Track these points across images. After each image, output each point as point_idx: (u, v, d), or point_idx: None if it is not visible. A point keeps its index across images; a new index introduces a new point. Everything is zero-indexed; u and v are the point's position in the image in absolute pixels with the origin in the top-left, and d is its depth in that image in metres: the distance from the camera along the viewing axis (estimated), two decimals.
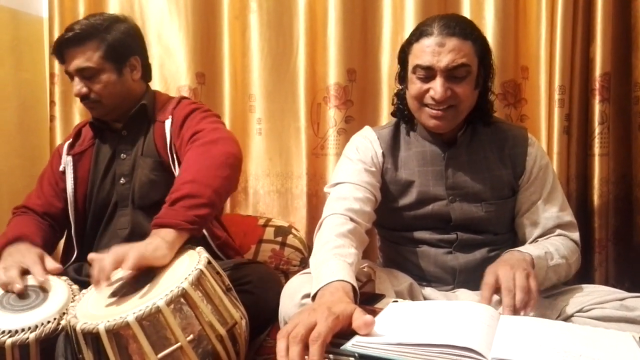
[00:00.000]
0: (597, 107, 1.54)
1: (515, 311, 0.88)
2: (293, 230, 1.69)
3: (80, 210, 1.32)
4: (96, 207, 1.31)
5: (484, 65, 1.11)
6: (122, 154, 1.32)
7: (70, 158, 1.32)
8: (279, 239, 1.66)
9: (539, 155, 1.17)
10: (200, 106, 1.33)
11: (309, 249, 1.69)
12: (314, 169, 1.74)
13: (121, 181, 1.30)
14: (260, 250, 1.65)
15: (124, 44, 1.28)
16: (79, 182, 1.32)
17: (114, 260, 0.93)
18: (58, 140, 1.78)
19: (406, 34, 1.62)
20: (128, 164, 1.31)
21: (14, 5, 1.77)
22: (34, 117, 1.85)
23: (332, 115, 1.69)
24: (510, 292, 0.89)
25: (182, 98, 1.39)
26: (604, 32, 1.51)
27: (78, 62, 1.24)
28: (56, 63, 1.75)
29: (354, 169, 1.15)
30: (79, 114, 1.80)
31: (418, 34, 1.10)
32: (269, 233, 1.67)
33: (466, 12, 1.60)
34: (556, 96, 1.55)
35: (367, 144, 1.20)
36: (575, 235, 1.14)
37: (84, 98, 1.27)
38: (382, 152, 1.19)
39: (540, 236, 1.14)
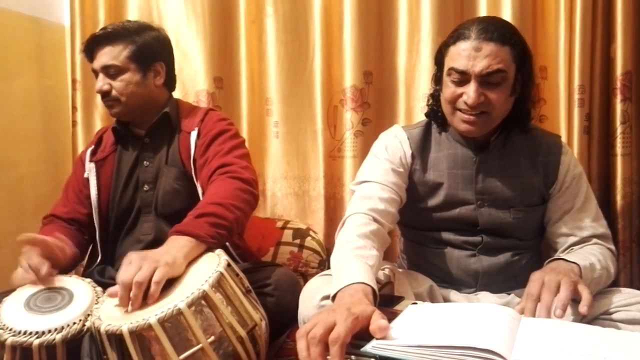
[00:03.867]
0: (618, 107, 1.52)
1: (549, 310, 0.86)
2: (311, 233, 1.70)
3: (104, 216, 1.35)
4: (119, 212, 1.34)
5: (523, 71, 1.08)
6: (145, 161, 1.34)
7: (93, 165, 1.35)
8: (297, 241, 1.67)
9: (572, 164, 1.15)
10: (228, 127, 1.34)
11: (327, 251, 1.69)
12: (331, 172, 1.74)
13: (144, 188, 1.33)
14: (279, 253, 1.66)
15: (151, 48, 1.33)
16: (102, 188, 1.34)
17: (140, 290, 0.92)
18: (80, 145, 1.82)
19: (422, 35, 1.63)
20: (151, 171, 1.33)
21: (37, 13, 1.81)
22: (56, 123, 1.89)
23: (349, 117, 1.69)
24: (552, 291, 0.87)
25: (209, 110, 1.40)
26: (625, 31, 1.49)
27: (104, 60, 1.28)
28: (78, 70, 1.80)
29: (381, 168, 1.14)
30: (100, 119, 1.83)
31: (456, 36, 1.07)
32: (287, 235, 1.68)
33: (482, 12, 1.59)
34: (576, 96, 1.53)
35: (396, 144, 1.19)
36: (612, 246, 1.12)
37: (104, 95, 1.30)
38: (412, 153, 1.17)
39: (574, 244, 1.11)
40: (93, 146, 1.39)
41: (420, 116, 1.53)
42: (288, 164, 1.79)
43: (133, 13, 1.81)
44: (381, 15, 1.68)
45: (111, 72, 1.29)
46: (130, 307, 0.90)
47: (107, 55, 1.28)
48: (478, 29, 1.04)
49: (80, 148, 1.81)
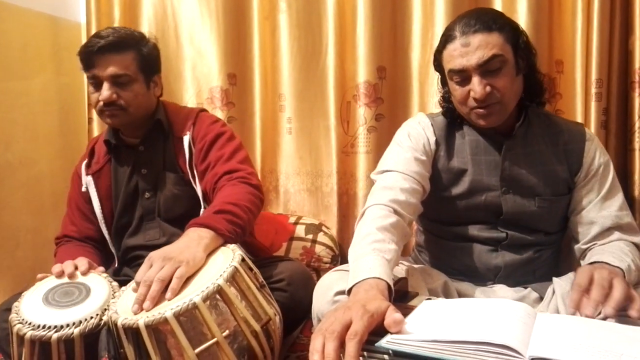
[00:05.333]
0: (637, 100, 1.50)
1: (598, 307, 0.84)
2: (324, 228, 1.70)
3: (110, 224, 1.36)
4: (123, 220, 1.34)
5: (521, 48, 1.07)
6: (142, 169, 1.34)
7: (90, 178, 1.35)
8: (310, 236, 1.67)
9: (598, 152, 1.13)
10: (223, 130, 1.33)
11: (340, 246, 1.70)
12: (344, 167, 1.74)
13: (146, 195, 1.33)
14: (292, 248, 1.67)
15: (153, 59, 1.33)
16: (103, 199, 1.35)
17: (161, 287, 0.94)
18: None
19: (437, 30, 1.62)
20: (150, 178, 1.33)
21: (54, 12, 1.83)
22: (73, 120, 1.92)
23: (362, 113, 1.69)
24: (604, 289, 0.86)
25: (199, 112, 1.38)
26: None
27: (115, 69, 1.24)
28: None
29: (403, 157, 1.12)
30: None
31: (443, 40, 1.09)
32: (299, 231, 1.69)
33: (498, 6, 1.57)
34: (593, 90, 1.51)
35: (419, 131, 1.17)
36: (637, 239, 1.08)
37: (109, 104, 1.25)
38: (436, 140, 1.16)
39: (597, 236, 1.09)
40: (87, 159, 1.39)
41: (433, 111, 1.52)
42: (301, 159, 1.79)
43: (148, 10, 1.82)
44: (395, 10, 1.67)
45: (121, 81, 1.25)
46: (147, 304, 0.91)
47: (118, 65, 1.24)
48: (460, 26, 1.04)
49: None
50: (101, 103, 1.25)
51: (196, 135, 1.31)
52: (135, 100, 1.27)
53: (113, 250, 1.36)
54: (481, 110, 1.06)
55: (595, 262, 0.99)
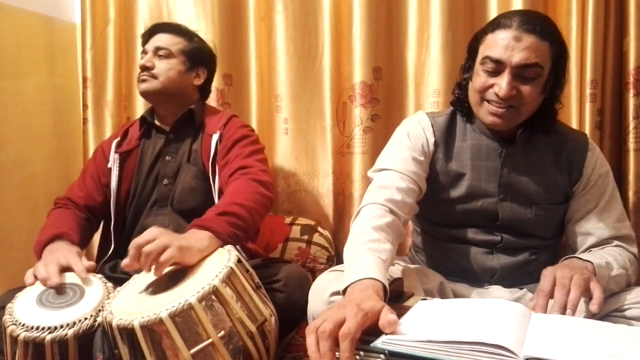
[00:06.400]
0: (631, 101, 1.50)
1: (564, 309, 0.85)
2: (319, 229, 1.70)
3: (121, 207, 1.37)
4: (137, 204, 1.37)
5: (557, 70, 1.05)
6: (167, 156, 1.38)
7: (117, 156, 1.39)
8: (305, 237, 1.67)
9: (598, 162, 1.12)
10: (249, 133, 1.40)
11: (336, 247, 1.70)
12: (340, 168, 1.74)
13: (164, 182, 1.36)
14: (287, 249, 1.67)
15: (202, 53, 1.45)
16: (123, 179, 1.38)
17: (147, 259, 0.96)
18: (91, 142, 1.84)
19: (432, 31, 1.62)
20: (172, 166, 1.37)
21: (48, 12, 1.82)
22: (67, 121, 1.91)
23: (358, 113, 1.69)
24: (565, 287, 0.87)
25: (232, 116, 1.45)
26: (638, 24, 1.47)
27: (160, 42, 1.39)
28: (89, 67, 1.82)
29: (401, 157, 1.11)
30: (110, 116, 1.85)
31: (495, 24, 1.04)
32: (295, 231, 1.69)
33: (493, 7, 1.57)
34: (588, 91, 1.51)
35: (419, 130, 1.15)
36: (634, 249, 1.08)
37: (144, 69, 1.37)
38: (435, 141, 1.14)
39: (594, 246, 1.08)
40: (119, 138, 1.43)
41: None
42: (297, 160, 1.79)
43: (143, 11, 1.82)
44: (390, 11, 1.67)
45: (161, 53, 1.38)
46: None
47: (165, 41, 1.39)
48: (520, 20, 1.01)
49: (91, 145, 1.83)
50: (139, 70, 1.38)
51: (224, 135, 1.36)
52: (167, 72, 1.37)
53: (112, 234, 1.36)
54: (494, 108, 1.04)
55: (567, 258, 1.01)
